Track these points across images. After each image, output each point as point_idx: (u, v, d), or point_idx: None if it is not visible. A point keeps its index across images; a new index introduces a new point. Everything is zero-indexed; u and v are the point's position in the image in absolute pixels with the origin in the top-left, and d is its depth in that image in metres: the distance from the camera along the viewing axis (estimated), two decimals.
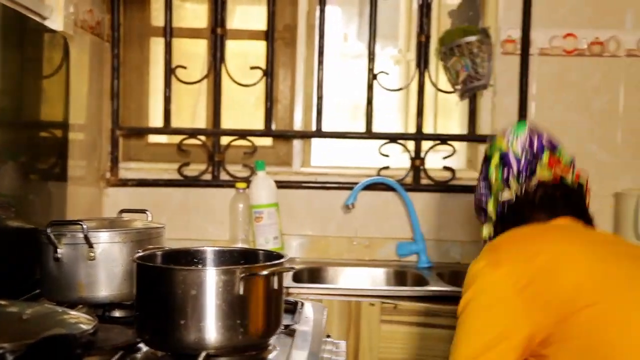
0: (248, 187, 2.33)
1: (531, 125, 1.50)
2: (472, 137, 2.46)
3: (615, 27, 2.37)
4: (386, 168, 2.43)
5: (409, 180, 2.42)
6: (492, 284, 1.27)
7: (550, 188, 1.44)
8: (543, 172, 1.45)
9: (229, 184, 2.41)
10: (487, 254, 1.34)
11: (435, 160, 2.46)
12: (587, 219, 1.47)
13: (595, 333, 1.19)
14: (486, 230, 1.51)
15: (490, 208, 1.48)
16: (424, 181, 2.42)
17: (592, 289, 1.22)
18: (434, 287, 2.03)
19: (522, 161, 1.45)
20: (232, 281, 1.15)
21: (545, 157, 1.45)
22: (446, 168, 2.43)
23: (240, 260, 1.37)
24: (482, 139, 2.45)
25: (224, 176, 2.44)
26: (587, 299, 1.20)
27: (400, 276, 2.31)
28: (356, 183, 2.36)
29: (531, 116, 2.38)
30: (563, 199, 1.45)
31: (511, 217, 1.45)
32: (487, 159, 1.52)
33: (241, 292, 1.15)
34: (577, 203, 1.48)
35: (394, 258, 2.41)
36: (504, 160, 1.47)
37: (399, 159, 2.48)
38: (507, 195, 1.45)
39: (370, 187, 2.39)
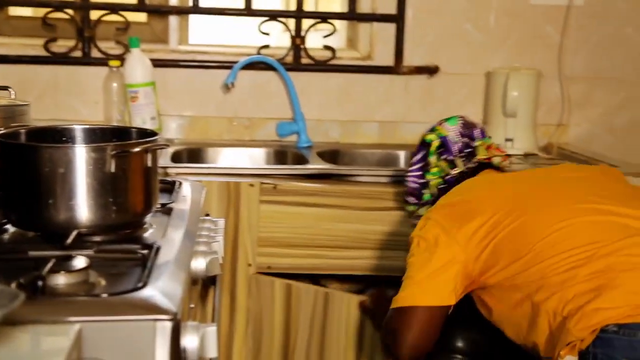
0: (122, 65, 2.23)
1: (463, 119, 1.68)
2: (352, 15, 2.44)
3: None
4: (266, 47, 2.39)
5: (289, 59, 2.39)
6: (431, 233, 1.45)
7: (486, 166, 1.64)
8: (481, 153, 1.63)
9: (102, 62, 2.29)
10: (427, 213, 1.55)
11: (316, 39, 2.43)
12: None
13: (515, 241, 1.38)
14: (419, 210, 1.68)
15: (433, 189, 1.64)
16: (305, 60, 2.40)
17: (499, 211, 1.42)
18: (313, 166, 2.06)
19: (460, 144, 1.62)
20: (103, 158, 1.12)
21: (479, 142, 1.63)
22: (326, 47, 2.41)
23: (113, 138, 1.33)
24: (362, 17, 2.44)
25: (95, 53, 2.31)
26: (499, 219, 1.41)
27: (280, 156, 2.32)
28: (236, 62, 2.31)
29: None
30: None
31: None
32: (425, 144, 1.66)
33: (112, 169, 1.12)
34: None
35: (274, 138, 2.41)
36: (445, 144, 1.63)
37: (279, 37, 2.43)
38: (455, 172, 1.62)
39: (250, 66, 2.34)
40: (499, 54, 2.44)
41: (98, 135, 1.33)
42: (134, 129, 1.35)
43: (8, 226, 1.19)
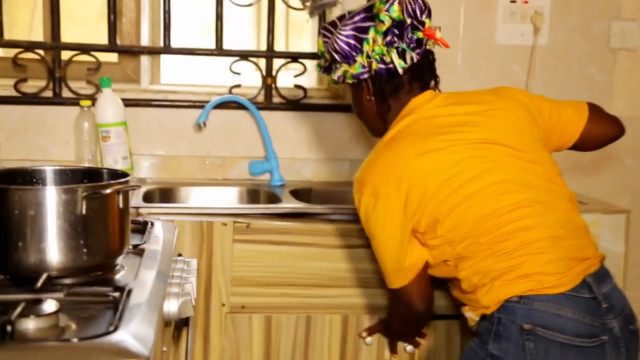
0: (93, 105, 2.22)
1: None
2: None
3: None
4: (238, 86, 2.40)
5: (260, 98, 2.40)
6: (382, 214, 1.51)
7: (428, 55, 1.61)
8: (430, 44, 1.59)
9: (73, 102, 2.28)
10: (360, 188, 1.54)
11: (287, 78, 2.46)
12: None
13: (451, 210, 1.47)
14: (338, 72, 1.61)
15: (359, 67, 1.57)
16: (276, 99, 2.42)
17: (437, 187, 1.48)
18: (287, 205, 2.06)
19: (409, 34, 1.55)
20: (74, 200, 1.11)
21: (427, 24, 1.57)
22: (297, 86, 2.44)
23: (84, 179, 1.32)
24: None
25: (66, 93, 2.30)
26: (437, 193, 1.48)
27: (253, 195, 2.32)
28: (207, 101, 2.32)
29: None
30: (429, 65, 1.64)
31: (388, 82, 1.58)
32: (372, 15, 1.55)
33: (83, 211, 1.11)
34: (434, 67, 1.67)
35: (247, 177, 2.41)
36: (398, 29, 1.54)
37: (250, 77, 2.45)
38: (401, 64, 1.55)
39: (222, 105, 2.35)
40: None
41: (69, 177, 1.32)
42: (105, 170, 1.35)
43: None
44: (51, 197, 1.10)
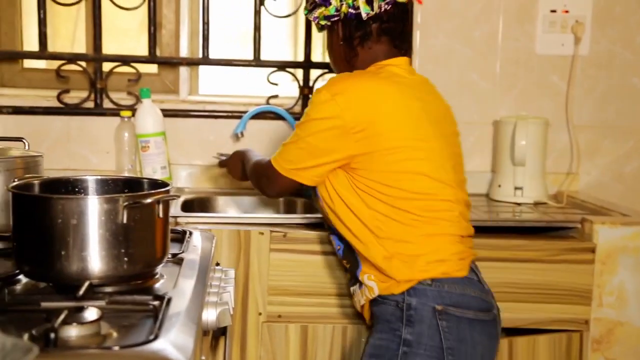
0: (133, 115, 2.26)
1: None
2: None
3: None
4: (275, 96, 2.42)
5: (297, 109, 2.42)
6: (330, 116, 1.52)
7: (400, 8, 1.62)
8: None
9: (113, 112, 2.32)
10: (332, 87, 1.54)
11: None
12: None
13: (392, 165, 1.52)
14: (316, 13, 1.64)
15: (332, 10, 1.61)
16: None
17: (396, 138, 1.52)
18: None
19: None
20: (115, 210, 1.12)
21: None
22: None
23: (125, 189, 1.34)
24: None
25: (107, 104, 2.35)
26: (390, 144, 1.51)
27: (290, 205, 2.33)
28: (245, 112, 2.34)
29: (416, 44, 2.41)
30: (402, 20, 1.65)
31: (358, 29, 1.61)
32: None
33: (124, 220, 1.13)
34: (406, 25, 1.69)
35: None
36: None
37: (288, 87, 2.46)
38: (365, 8, 1.57)
39: (260, 115, 2.37)
40: (506, 102, 2.46)
41: (110, 186, 1.34)
42: (145, 180, 1.36)
43: (20, 277, 1.19)
44: (93, 207, 1.12)
